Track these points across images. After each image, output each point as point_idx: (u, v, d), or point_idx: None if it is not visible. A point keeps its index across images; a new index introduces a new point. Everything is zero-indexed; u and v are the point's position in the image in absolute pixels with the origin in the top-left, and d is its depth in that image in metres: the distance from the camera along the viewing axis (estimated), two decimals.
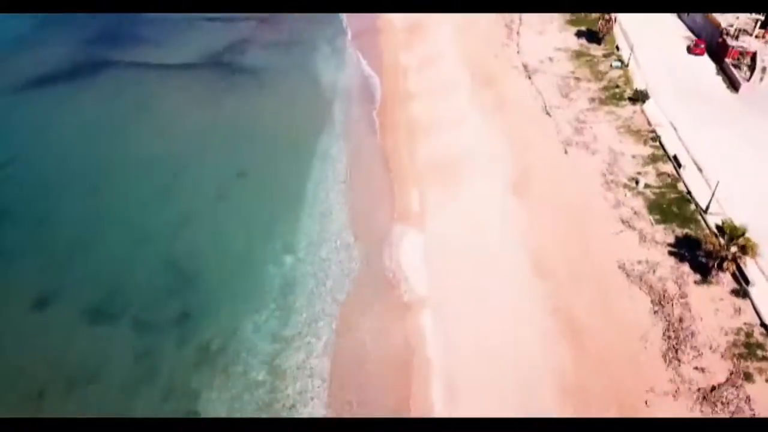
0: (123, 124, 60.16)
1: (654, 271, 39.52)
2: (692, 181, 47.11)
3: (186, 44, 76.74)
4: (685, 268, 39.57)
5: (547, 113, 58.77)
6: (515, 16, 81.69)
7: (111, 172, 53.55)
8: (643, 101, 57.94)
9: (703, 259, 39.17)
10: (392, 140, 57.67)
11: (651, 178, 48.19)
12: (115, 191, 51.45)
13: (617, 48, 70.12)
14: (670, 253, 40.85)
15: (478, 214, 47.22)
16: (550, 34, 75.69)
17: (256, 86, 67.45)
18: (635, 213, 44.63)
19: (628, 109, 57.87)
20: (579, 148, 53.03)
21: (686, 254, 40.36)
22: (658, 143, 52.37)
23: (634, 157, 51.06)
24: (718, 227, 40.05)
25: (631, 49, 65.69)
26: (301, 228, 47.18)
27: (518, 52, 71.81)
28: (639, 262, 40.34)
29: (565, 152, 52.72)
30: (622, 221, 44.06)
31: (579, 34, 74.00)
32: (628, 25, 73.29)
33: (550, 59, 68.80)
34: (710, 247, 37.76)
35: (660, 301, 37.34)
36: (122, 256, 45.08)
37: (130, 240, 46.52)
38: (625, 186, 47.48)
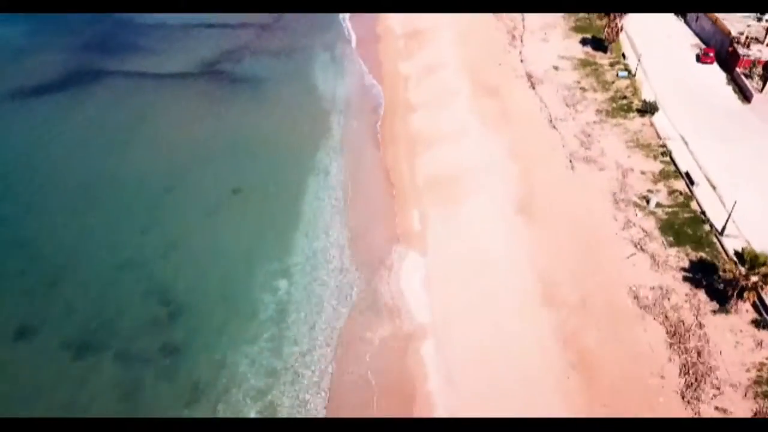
0: (114, 137, 58.11)
1: (668, 299, 37.44)
2: (706, 199, 45.05)
3: (182, 52, 74.72)
4: (702, 295, 37.51)
5: (553, 126, 56.73)
6: (518, 22, 79.83)
7: (99, 189, 51.50)
8: (652, 113, 55.88)
9: (721, 286, 37.10)
10: (392, 154, 55.60)
11: (662, 197, 46.11)
12: (102, 210, 49.37)
13: (624, 56, 68.10)
14: (685, 279, 38.78)
15: (482, 234, 45.16)
16: (554, 41, 73.66)
17: (253, 97, 65.43)
18: (646, 234, 42.55)
19: (636, 122, 55.80)
20: (586, 163, 50.96)
21: (702, 280, 38.31)
22: (668, 158, 50.30)
23: (643, 173, 48.97)
24: (737, 254, 37.86)
25: (639, 59, 63.55)
26: (297, 249, 45.12)
27: (522, 60, 69.77)
28: (652, 289, 38.28)
29: (572, 168, 50.67)
30: (633, 243, 41.98)
31: (584, 42, 71.96)
32: (634, 32, 71.30)
33: (555, 68, 66.75)
34: (729, 275, 35.66)
35: (676, 332, 35.25)
36: (108, 282, 42.96)
37: (117, 263, 44.40)
38: (636, 205, 45.40)
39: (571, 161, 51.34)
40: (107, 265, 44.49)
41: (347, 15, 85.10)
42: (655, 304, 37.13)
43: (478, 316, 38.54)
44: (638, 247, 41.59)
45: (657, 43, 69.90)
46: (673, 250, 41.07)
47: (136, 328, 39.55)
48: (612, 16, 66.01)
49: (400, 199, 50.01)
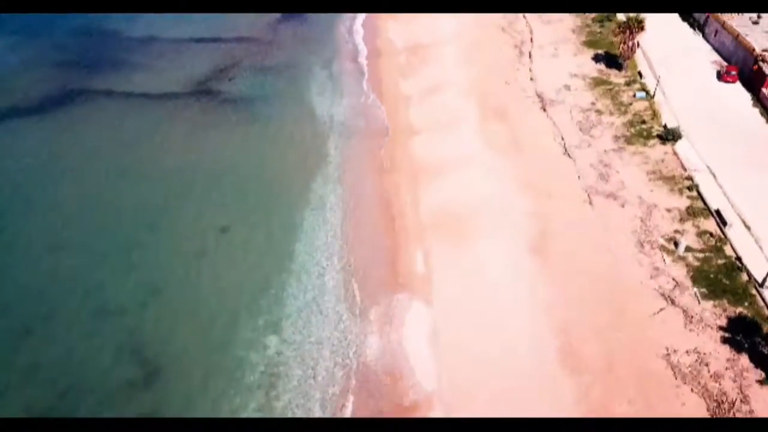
0: (92, 166, 53.86)
1: (706, 365, 33.18)
2: (741, 243, 40.77)
3: (171, 69, 70.61)
4: (744, 360, 33.24)
5: (567, 154, 52.51)
6: (525, 36, 75.73)
7: (74, 225, 47.36)
8: (675, 140, 51.63)
9: (765, 350, 32.86)
10: (394, 184, 51.35)
11: (692, 238, 41.84)
12: (77, 249, 45.18)
13: (640, 74, 63.88)
14: (724, 340, 34.50)
15: (493, 281, 40.89)
16: (565, 57, 69.46)
17: (245, 119, 61.18)
18: (677, 284, 38.28)
19: (657, 150, 51.54)
20: (605, 197, 46.71)
21: (743, 342, 34.04)
22: (695, 193, 46.01)
23: (669, 210, 44.69)
24: None
25: (657, 80, 59.22)
26: (290, 299, 40.86)
27: (531, 78, 65.55)
28: (687, 353, 33.99)
29: (590, 203, 46.41)
30: (663, 295, 37.70)
31: (596, 58, 67.78)
32: (649, 47, 67.03)
33: (567, 87, 62.53)
34: None
35: (719, 406, 30.99)
36: (81, 335, 38.79)
37: (91, 313, 40.28)
38: (663, 248, 41.14)
39: (588, 195, 47.08)
40: (80, 314, 40.38)
41: (346, 27, 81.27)
42: (691, 372, 32.84)
43: (489, 381, 34.25)
44: (668, 299, 37.32)
45: (674, 60, 65.62)
46: (708, 304, 36.78)
47: (109, 392, 35.37)
48: (628, 32, 61.76)
49: (403, 238, 45.76)
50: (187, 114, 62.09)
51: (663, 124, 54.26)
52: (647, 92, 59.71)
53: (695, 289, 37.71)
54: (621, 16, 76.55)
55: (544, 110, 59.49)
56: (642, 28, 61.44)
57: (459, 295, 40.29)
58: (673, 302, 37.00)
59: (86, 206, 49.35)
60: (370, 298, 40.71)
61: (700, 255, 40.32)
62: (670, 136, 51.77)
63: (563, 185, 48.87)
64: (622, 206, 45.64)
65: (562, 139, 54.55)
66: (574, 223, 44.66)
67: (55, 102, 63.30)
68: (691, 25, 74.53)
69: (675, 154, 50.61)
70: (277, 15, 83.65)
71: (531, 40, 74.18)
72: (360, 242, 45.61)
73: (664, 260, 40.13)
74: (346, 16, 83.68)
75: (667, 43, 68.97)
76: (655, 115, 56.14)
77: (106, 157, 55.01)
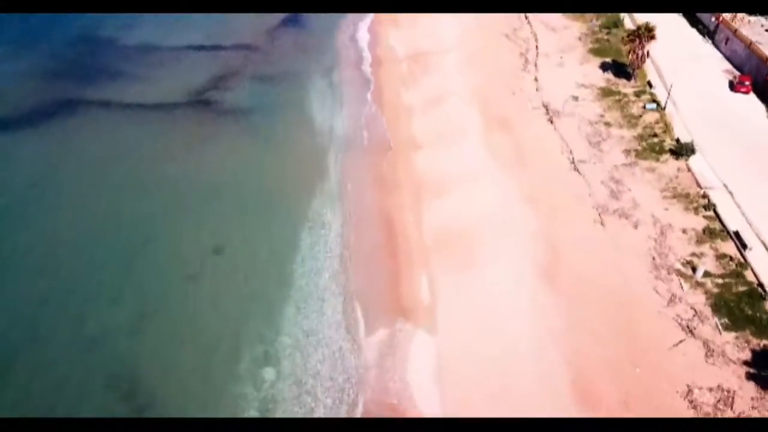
0: (83, 180, 51.76)
1: (731, 404, 31.13)
2: (763, 268, 38.66)
3: (167, 79, 68.55)
4: None
5: (576, 169, 50.48)
6: (530, 43, 73.76)
7: (63, 246, 45.20)
8: (688, 155, 49.60)
9: None
10: (396, 203, 49.27)
11: (710, 262, 39.79)
12: (66, 272, 42.97)
13: (649, 84, 61.87)
14: (749, 377, 32.44)
15: (500, 308, 38.80)
16: (571, 66, 67.50)
17: (242, 131, 59.14)
18: (696, 314, 36.21)
19: (670, 165, 49.50)
20: (617, 217, 44.66)
21: None
22: (712, 212, 43.95)
23: (685, 231, 42.64)
24: None
25: (669, 91, 57.13)
26: (287, 328, 38.79)
27: (537, 88, 63.54)
28: (710, 390, 31.92)
29: (601, 223, 44.36)
30: (681, 326, 35.63)
31: (604, 67, 65.85)
32: (658, 56, 64.93)
33: (575, 98, 60.50)
34: None
35: None
36: (68, 365, 36.50)
37: (80, 342, 38.03)
38: (680, 273, 39.08)
39: (599, 214, 45.04)
40: (69, 343, 38.18)
41: (346, 35, 79.32)
42: (715, 412, 30.80)
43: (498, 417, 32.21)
44: (688, 330, 35.25)
45: (684, 69, 63.59)
46: (729, 336, 34.73)
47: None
48: (638, 41, 59.71)
49: (406, 260, 43.70)
50: (183, 126, 60.05)
51: (675, 137, 52.23)
52: (658, 103, 57.69)
53: (716, 319, 35.65)
54: (629, 24, 74.93)
55: (551, 122, 57.48)
56: (653, 37, 59.40)
57: (465, 326, 38.09)
58: (692, 333, 34.94)
59: (76, 224, 47.23)
60: (373, 327, 38.62)
61: (720, 281, 38.24)
62: (683, 150, 49.73)
63: (572, 203, 46.82)
64: (635, 227, 43.60)
65: (571, 153, 52.53)
66: (584, 245, 42.61)
67: (45, 114, 61.15)
68: (701, 32, 72.64)
69: (689, 170, 48.58)
70: (277, 22, 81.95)
71: (536, 47, 72.23)
72: (361, 265, 43.55)
73: (681, 286, 38.09)
74: (347, 24, 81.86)
75: (675, 50, 66.98)
76: (666, 128, 54.10)
77: (97, 172, 52.92)
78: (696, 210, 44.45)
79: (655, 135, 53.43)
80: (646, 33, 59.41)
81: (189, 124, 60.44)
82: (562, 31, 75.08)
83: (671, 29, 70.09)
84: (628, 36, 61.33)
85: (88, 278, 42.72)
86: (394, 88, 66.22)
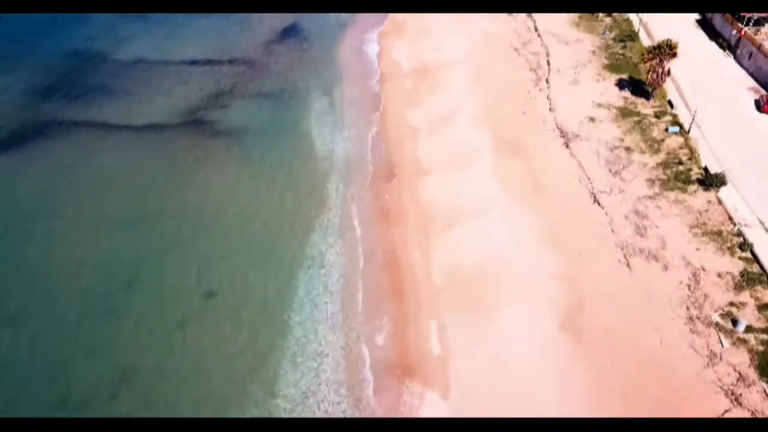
0: (62, 213, 48.07)
1: None
2: None
3: (158, 97, 64.71)
4: None
5: (596, 201, 46.65)
6: (542, 58, 69.88)
7: (38, 288, 41.61)
8: (719, 187, 45.77)
9: None
10: (401, 239, 45.43)
11: (751, 314, 35.96)
12: (38, 319, 39.48)
13: (670, 104, 57.98)
14: None
15: (518, 365, 35.00)
16: (586, 83, 63.58)
17: (235, 158, 55.16)
18: (740, 376, 32.41)
19: (699, 198, 45.66)
20: (644, 258, 40.81)
21: None
22: (749, 253, 40.11)
23: (720, 276, 38.81)
24: None
25: (693, 115, 53.14)
26: (282, 387, 35.01)
27: (550, 108, 59.69)
28: None
29: (627, 265, 40.53)
30: (724, 391, 31.85)
31: (621, 84, 61.91)
32: (678, 72, 60.84)
33: (591, 119, 56.63)
34: None
35: None
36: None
37: (54, 404, 34.60)
38: (719, 327, 35.24)
39: (624, 255, 41.22)
40: (42, 407, 34.65)
41: (347, 48, 75.48)
42: None
43: None
44: (732, 397, 31.46)
45: (707, 87, 59.84)
46: None
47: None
48: (659, 58, 55.85)
49: (413, 307, 39.89)
50: (173, 150, 56.16)
51: (703, 165, 48.41)
52: (681, 126, 53.85)
53: (763, 384, 31.85)
54: (644, 36, 71.15)
55: (567, 146, 53.63)
56: (674, 55, 55.51)
57: (482, 390, 34.21)
58: (738, 402, 31.15)
59: (52, 264, 43.54)
60: (378, 388, 34.90)
61: (765, 336, 34.43)
62: (712, 181, 45.87)
63: (594, 241, 42.99)
64: (665, 269, 39.77)
65: (590, 181, 48.71)
66: (610, 291, 38.77)
67: (25, 137, 57.40)
68: (720, 46, 68.78)
69: (720, 203, 44.74)
70: (276, 34, 78.36)
71: (547, 62, 68.32)
72: (365, 313, 39.77)
73: (721, 343, 34.28)
74: (349, 35, 78.16)
75: (695, 67, 63.09)
76: (692, 154, 50.23)
77: (77, 204, 49.15)
78: (731, 250, 40.61)
79: (680, 162, 49.56)
80: (668, 50, 55.51)
81: (179, 148, 56.50)
82: (574, 45, 71.20)
83: (689, 42, 66.13)
84: (648, 53, 57.38)
85: (65, 326, 39.14)
86: (398, 107, 62.35)
